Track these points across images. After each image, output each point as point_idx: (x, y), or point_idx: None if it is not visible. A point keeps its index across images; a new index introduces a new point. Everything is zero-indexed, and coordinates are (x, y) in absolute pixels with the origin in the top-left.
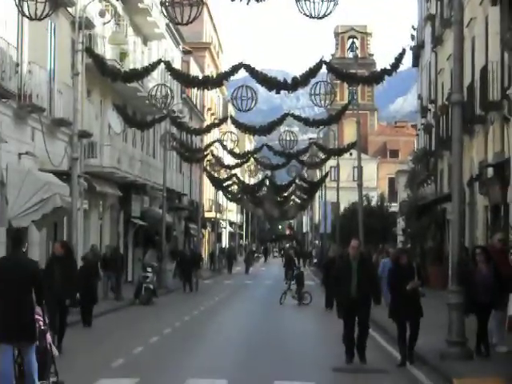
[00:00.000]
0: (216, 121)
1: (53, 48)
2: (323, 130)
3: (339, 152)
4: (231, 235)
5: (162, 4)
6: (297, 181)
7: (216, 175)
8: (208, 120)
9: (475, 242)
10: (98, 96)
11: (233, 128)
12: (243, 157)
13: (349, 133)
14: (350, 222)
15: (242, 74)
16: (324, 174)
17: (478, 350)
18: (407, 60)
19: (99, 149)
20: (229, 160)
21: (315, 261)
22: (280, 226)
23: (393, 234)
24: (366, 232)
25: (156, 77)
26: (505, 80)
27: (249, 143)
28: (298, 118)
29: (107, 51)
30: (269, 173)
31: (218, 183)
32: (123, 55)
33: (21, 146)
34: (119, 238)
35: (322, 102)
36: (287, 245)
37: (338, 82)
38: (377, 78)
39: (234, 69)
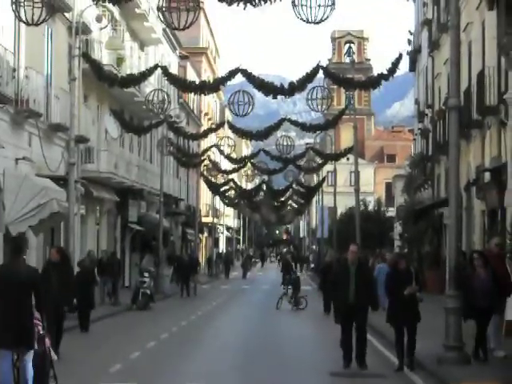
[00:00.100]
0: (213, 126)
1: (50, 53)
2: (320, 135)
3: (336, 157)
4: (228, 240)
5: (158, 9)
6: (294, 186)
7: (213, 180)
8: (205, 125)
9: (472, 247)
10: (95, 101)
11: (230, 133)
12: (240, 162)
13: (346, 138)
14: (347, 226)
15: (239, 79)
16: (321, 178)
17: (476, 355)
18: (404, 65)
19: (96, 154)
20: (226, 165)
21: (312, 266)
22: (277, 231)
23: (390, 239)
24: (363, 237)
25: (153, 82)
26: (502, 84)
27: (246, 148)
28: (294, 123)
29: (104, 56)
30: (266, 178)
31: (214, 188)
32: (120, 60)
33: (18, 151)
34: (116, 243)
35: (319, 106)
36: (284, 250)
37: (335, 86)
38: (374, 82)
39: (231, 74)
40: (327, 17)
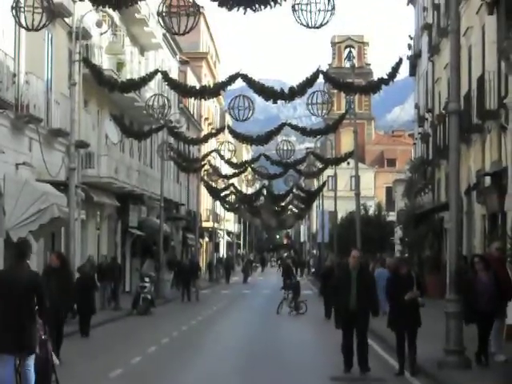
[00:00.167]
0: (213, 131)
1: (50, 58)
2: (320, 140)
3: (336, 161)
4: (229, 245)
5: (158, 14)
6: (294, 190)
7: (213, 185)
8: (205, 130)
9: (473, 251)
10: (95, 106)
11: (230, 138)
12: (240, 166)
13: (346, 142)
14: (347, 231)
15: (239, 83)
16: (321, 183)
17: (479, 360)
18: (404, 69)
19: (96, 159)
20: (226, 170)
21: (313, 270)
22: (278, 236)
23: (390, 243)
24: (364, 241)
25: (153, 87)
26: (502, 89)
27: (246, 153)
28: (295, 128)
29: (104, 61)
30: (266, 182)
31: (215, 193)
32: (120, 65)
33: (18, 156)
34: (117, 248)
35: (319, 111)
36: (285, 254)
37: (335, 91)
38: (374, 87)
39: (231, 79)
40: (327, 21)
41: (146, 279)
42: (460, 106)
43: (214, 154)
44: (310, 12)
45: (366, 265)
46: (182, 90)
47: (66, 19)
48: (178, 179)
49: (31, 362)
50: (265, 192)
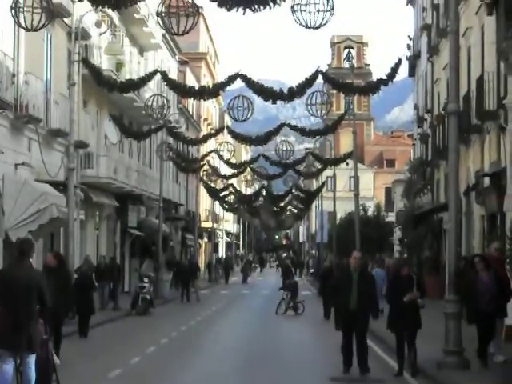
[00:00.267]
0: (212, 131)
1: (49, 58)
2: (319, 140)
3: (335, 162)
4: (228, 245)
5: (158, 14)
6: (293, 191)
7: (212, 185)
8: (204, 130)
9: (472, 252)
10: (95, 106)
11: (229, 138)
12: (239, 167)
13: (345, 143)
14: (346, 231)
15: (239, 84)
16: (320, 183)
17: (480, 357)
18: (403, 70)
19: (96, 159)
20: (225, 170)
21: (312, 271)
22: (277, 236)
23: (389, 244)
24: (363, 242)
25: (152, 87)
26: (501, 89)
27: (245, 153)
28: (294, 128)
29: (103, 61)
30: (265, 183)
31: (214, 193)
32: (119, 65)
33: (17, 156)
34: (116, 249)
35: (319, 111)
36: (284, 255)
37: (335, 92)
38: (373, 87)
39: (230, 79)
40: (326, 22)
41: (145, 279)
42: (459, 107)
43: (213, 154)
44: (309, 12)
45: (364, 265)
46: (181, 90)
47: (65, 19)
48: (177, 179)
49: (32, 360)
50: (264, 192)
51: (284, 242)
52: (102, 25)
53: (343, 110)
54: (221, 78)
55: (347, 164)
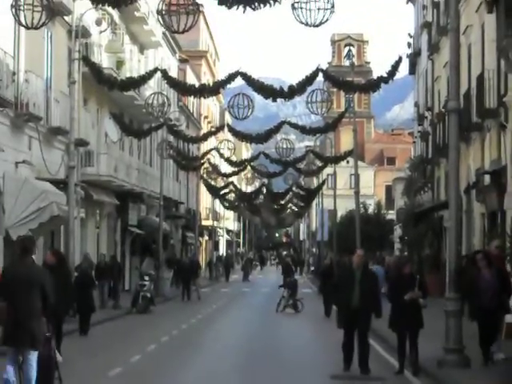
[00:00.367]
0: (213, 129)
1: (49, 57)
2: (320, 138)
3: (336, 160)
4: (228, 243)
5: (158, 12)
6: (294, 188)
7: (213, 183)
8: (205, 128)
9: (472, 250)
10: (95, 104)
11: (229, 136)
12: (240, 165)
13: (345, 140)
14: (347, 229)
15: (239, 82)
16: (321, 181)
17: (486, 357)
18: (404, 68)
19: (96, 157)
20: (226, 168)
21: (312, 269)
22: (277, 234)
23: (390, 242)
24: (363, 240)
25: (153, 85)
26: (501, 87)
27: (246, 151)
28: (294, 126)
29: (104, 60)
30: (266, 181)
31: (214, 191)
32: (120, 63)
33: (18, 154)
34: (116, 247)
35: (319, 109)
36: (284, 253)
37: (335, 89)
38: (373, 85)
39: (231, 77)
40: (327, 20)
41: (146, 277)
42: (459, 105)
43: (213, 152)
44: (310, 10)
45: (367, 263)
46: (182, 88)
47: (66, 17)
48: (177, 177)
49: (33, 357)
50: (264, 190)
51: (284, 239)
52: (103, 23)
53: (343, 108)
54: (221, 75)
55: (347, 162)
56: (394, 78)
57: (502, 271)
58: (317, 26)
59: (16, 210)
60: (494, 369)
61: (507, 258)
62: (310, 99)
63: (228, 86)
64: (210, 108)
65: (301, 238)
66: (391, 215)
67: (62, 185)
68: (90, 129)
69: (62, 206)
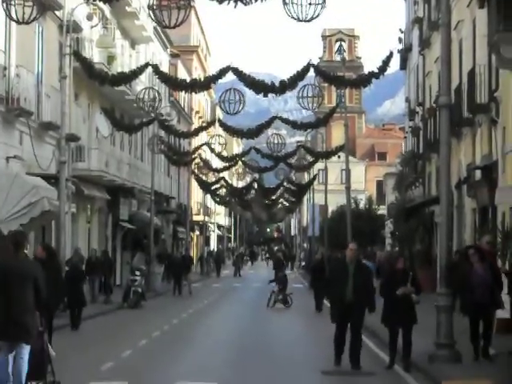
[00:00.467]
0: (204, 124)
1: (40, 51)
2: (311, 133)
3: (327, 155)
4: (219, 238)
5: (149, 7)
6: (285, 184)
7: (204, 178)
8: (196, 123)
9: (463, 245)
10: (86, 99)
11: (221, 131)
12: (231, 160)
13: (337, 136)
14: (338, 224)
15: (230, 77)
16: (312, 176)
17: (486, 354)
18: (395, 63)
19: (87, 152)
20: (217, 163)
21: (303, 264)
22: (268, 229)
23: (381, 237)
24: (354, 235)
25: (144, 80)
26: (492, 82)
27: (237, 146)
28: (285, 121)
29: (95, 54)
30: (257, 176)
31: (206, 186)
32: (111, 58)
33: (8, 149)
34: (107, 242)
35: (310, 104)
36: (275, 248)
37: (326, 84)
38: (364, 80)
39: (222, 72)
40: (318, 15)
41: (137, 272)
42: (451, 100)
43: (204, 147)
44: (301, 5)
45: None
46: (173, 83)
47: (57, 12)
48: (168, 172)
49: (26, 351)
50: (255, 185)
51: (276, 235)
52: (94, 18)
53: (335, 103)
54: (212, 70)
55: (339, 157)
56: (385, 74)
57: (493, 266)
58: (308, 21)
59: (7, 205)
60: (485, 364)
61: (498, 253)
62: (301, 94)
63: (219, 81)
64: (201, 103)
65: (292, 233)
66: (382, 210)
67: (53, 180)
68: (81, 124)
69: (53, 201)
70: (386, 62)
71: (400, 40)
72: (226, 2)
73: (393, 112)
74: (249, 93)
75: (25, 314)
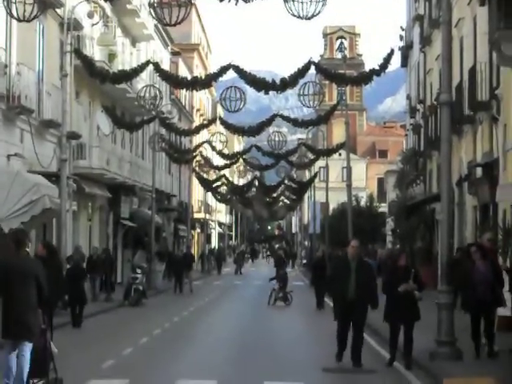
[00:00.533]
0: (205, 122)
1: (41, 49)
2: (312, 131)
3: (328, 152)
4: (220, 236)
5: (150, 5)
6: (286, 181)
7: (205, 176)
8: (197, 121)
9: (464, 242)
10: (87, 97)
11: (222, 129)
12: (232, 157)
13: (338, 133)
14: (339, 222)
15: (231, 74)
16: (313, 174)
17: (491, 351)
18: (396, 60)
19: (88, 150)
20: (218, 161)
21: (304, 261)
22: (269, 227)
23: (382, 235)
24: (355, 232)
25: (145, 78)
26: (493, 80)
27: (238, 144)
28: (286, 119)
29: (96, 52)
30: (258, 173)
31: (207, 184)
32: (112, 56)
33: (9, 147)
34: (108, 240)
35: (311, 102)
36: (276, 245)
37: (327, 82)
38: (365, 78)
39: (223, 70)
40: (319, 12)
41: (138, 270)
42: (452, 97)
43: (205, 145)
44: (302, 3)
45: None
46: (174, 81)
47: (58, 10)
48: (169, 170)
49: (28, 348)
50: (256, 183)
51: (277, 232)
52: (95, 16)
53: (336, 101)
54: (213, 68)
55: (340, 154)
56: (386, 71)
57: (494, 264)
58: (309, 18)
59: (8, 203)
60: (486, 361)
61: (499, 250)
62: (302, 92)
63: (220, 78)
64: (202, 101)
65: (293, 230)
66: (383, 208)
67: (54, 178)
68: (82, 122)
69: (54, 199)
70: (386, 60)
71: (401, 37)
72: (227, 0)
73: (394, 109)
74: (250, 90)
75: (27, 313)
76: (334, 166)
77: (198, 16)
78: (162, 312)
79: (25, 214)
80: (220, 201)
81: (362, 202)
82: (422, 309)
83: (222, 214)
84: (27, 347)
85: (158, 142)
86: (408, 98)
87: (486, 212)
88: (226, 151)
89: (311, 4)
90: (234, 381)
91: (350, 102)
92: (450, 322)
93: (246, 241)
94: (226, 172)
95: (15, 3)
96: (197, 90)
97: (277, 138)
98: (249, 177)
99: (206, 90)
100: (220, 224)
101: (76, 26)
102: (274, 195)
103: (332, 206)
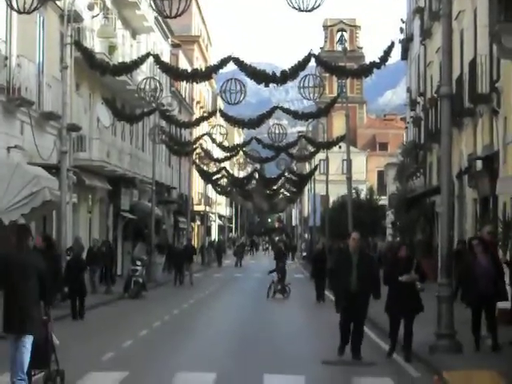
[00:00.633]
0: (205, 114)
1: (41, 41)
2: (312, 123)
3: (328, 145)
4: (220, 228)
5: None
6: (286, 174)
7: (205, 168)
8: (197, 113)
9: (464, 235)
10: (87, 89)
11: (222, 121)
12: (232, 150)
13: (338, 126)
14: (339, 215)
15: (231, 67)
16: (313, 167)
17: (495, 345)
18: (396, 53)
19: (88, 142)
20: (218, 153)
21: (304, 254)
22: (269, 219)
23: (382, 227)
24: (355, 225)
25: (145, 70)
26: (494, 73)
27: (238, 136)
28: (286, 111)
29: (96, 44)
30: (258, 166)
31: (207, 176)
32: (112, 48)
33: (9, 139)
34: (108, 232)
35: (311, 94)
36: (277, 238)
37: (327, 75)
38: (366, 71)
39: (223, 62)
40: (319, 5)
41: (138, 263)
42: (452, 90)
43: (205, 137)
44: None
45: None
46: (174, 73)
47: (58, 2)
48: (169, 163)
49: (29, 340)
50: (256, 175)
51: (277, 225)
52: (95, 8)
53: (336, 93)
54: (213, 60)
55: (340, 147)
56: (387, 64)
57: (494, 257)
58: (309, 10)
59: (8, 195)
60: (485, 354)
61: (499, 243)
62: (302, 84)
63: (220, 71)
64: (203, 93)
65: (293, 223)
66: (383, 201)
67: (54, 170)
68: (83, 114)
69: (54, 191)
70: (387, 52)
71: (401, 30)
72: None
73: (394, 102)
74: (250, 83)
75: (29, 306)
76: (334, 159)
77: (199, 8)
78: (162, 304)
79: (25, 206)
80: (220, 193)
81: (362, 195)
82: (422, 301)
83: (222, 206)
84: (28, 339)
85: (158, 134)
86: (408, 90)
87: (486, 205)
88: (226, 143)
89: None
90: (233, 373)
91: (350, 95)
92: (450, 315)
93: (246, 233)
94: (226, 164)
95: None
96: (197, 82)
97: (277, 131)
98: (249, 169)
99: (206, 83)
100: (220, 216)
101: (76, 18)
102: (274, 188)
103: (332, 198)
